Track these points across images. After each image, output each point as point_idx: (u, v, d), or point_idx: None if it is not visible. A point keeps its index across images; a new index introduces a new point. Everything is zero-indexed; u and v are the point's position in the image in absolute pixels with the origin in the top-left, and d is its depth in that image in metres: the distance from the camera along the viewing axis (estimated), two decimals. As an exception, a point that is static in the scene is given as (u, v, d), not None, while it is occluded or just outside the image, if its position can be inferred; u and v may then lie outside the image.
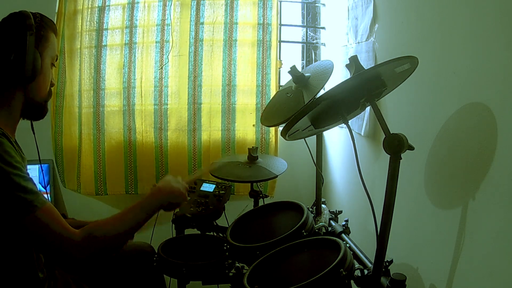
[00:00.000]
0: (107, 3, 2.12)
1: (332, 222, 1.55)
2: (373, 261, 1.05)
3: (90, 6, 2.11)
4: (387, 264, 1.09)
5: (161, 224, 1.76)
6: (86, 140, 2.17)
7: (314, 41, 2.39)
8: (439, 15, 1.19)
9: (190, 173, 2.20)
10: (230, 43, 2.15)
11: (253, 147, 1.69)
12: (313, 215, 1.58)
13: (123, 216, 1.09)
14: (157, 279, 1.49)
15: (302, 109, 1.07)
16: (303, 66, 2.39)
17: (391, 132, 0.96)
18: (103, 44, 2.13)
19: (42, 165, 2.13)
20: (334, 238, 1.16)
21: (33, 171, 2.05)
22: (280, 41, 2.28)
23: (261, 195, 1.72)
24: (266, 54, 2.17)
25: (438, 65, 1.19)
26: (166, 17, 2.13)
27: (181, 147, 2.19)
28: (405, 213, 1.32)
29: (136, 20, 2.13)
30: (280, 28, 2.29)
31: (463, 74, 1.07)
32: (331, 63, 1.50)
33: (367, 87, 1.03)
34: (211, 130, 2.20)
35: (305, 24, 2.39)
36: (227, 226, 1.46)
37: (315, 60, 2.39)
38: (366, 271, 1.11)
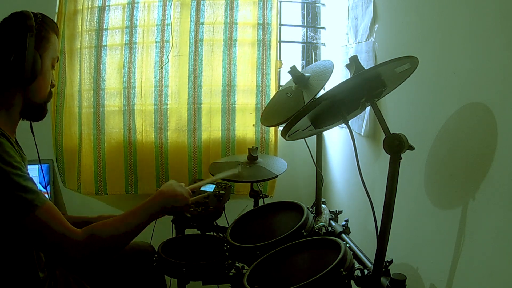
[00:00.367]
0: (107, 3, 2.12)
1: (332, 222, 1.55)
2: (373, 261, 1.05)
3: (90, 6, 2.11)
4: (387, 264, 1.09)
5: (161, 224, 1.76)
6: (86, 140, 2.17)
7: (314, 41, 2.39)
8: (439, 15, 1.19)
9: (190, 173, 2.21)
10: (230, 43, 2.15)
11: (253, 147, 1.69)
12: (313, 215, 1.58)
13: (126, 218, 1.09)
14: (157, 279, 1.49)
15: (302, 109, 1.07)
16: (303, 66, 2.39)
17: (391, 132, 0.96)
18: (103, 44, 2.13)
19: (42, 165, 2.13)
20: (334, 238, 1.16)
21: (34, 171, 2.05)
22: (280, 41, 2.28)
23: (261, 195, 1.72)
24: (266, 54, 2.17)
25: (438, 65, 1.19)
26: (166, 17, 2.13)
27: (181, 147, 2.19)
28: (405, 213, 1.32)
29: (136, 20, 2.13)
30: (280, 28, 2.29)
31: (463, 74, 1.07)
32: (331, 63, 1.50)
33: (367, 87, 1.03)
34: (211, 130, 2.20)
35: (305, 24, 2.39)
36: (227, 226, 1.46)
37: (315, 60, 2.39)
38: (366, 271, 1.11)
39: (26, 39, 1.02)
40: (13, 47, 1.01)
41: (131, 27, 2.12)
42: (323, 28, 2.35)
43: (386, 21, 1.51)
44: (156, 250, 1.51)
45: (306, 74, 1.50)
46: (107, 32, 2.14)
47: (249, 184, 1.72)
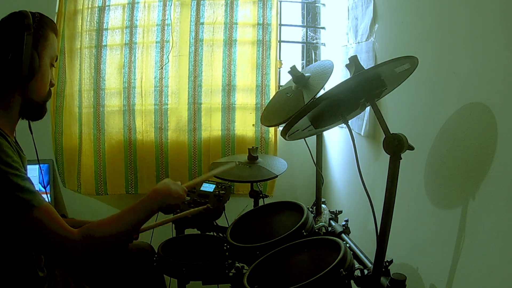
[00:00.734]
0: (107, 3, 2.12)
1: (332, 222, 1.55)
2: (373, 261, 1.05)
3: (90, 6, 2.12)
4: (387, 264, 1.09)
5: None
6: (86, 140, 2.17)
7: (314, 41, 2.39)
8: (439, 15, 1.19)
9: (190, 173, 2.21)
10: (230, 43, 2.15)
11: (253, 147, 1.69)
12: (313, 215, 1.58)
13: (122, 217, 1.10)
14: (157, 279, 1.49)
15: (302, 109, 1.07)
16: (303, 66, 2.39)
17: (391, 132, 0.96)
18: (103, 44, 2.13)
19: (42, 165, 2.13)
20: (334, 238, 1.16)
21: (34, 171, 2.05)
22: (280, 41, 2.28)
23: (261, 195, 1.72)
24: (266, 54, 2.17)
25: (438, 65, 1.19)
26: (166, 17, 2.13)
27: (181, 147, 2.19)
28: (405, 213, 1.32)
29: (136, 20, 2.13)
30: (280, 28, 2.29)
31: (463, 74, 1.07)
32: (331, 63, 1.50)
33: (367, 87, 1.03)
34: (211, 130, 2.20)
35: (305, 24, 2.39)
36: (227, 226, 1.46)
37: (315, 60, 2.39)
38: (366, 271, 1.11)
39: (24, 38, 1.02)
40: (11, 46, 1.01)
41: (131, 27, 2.12)
42: (323, 28, 2.35)
43: (386, 21, 1.51)
44: (156, 250, 1.51)
45: (306, 74, 1.50)
46: (107, 32, 2.14)
47: (249, 184, 1.72)
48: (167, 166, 2.20)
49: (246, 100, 2.20)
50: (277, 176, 1.61)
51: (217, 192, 1.73)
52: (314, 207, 1.63)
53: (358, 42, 1.72)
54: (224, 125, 2.20)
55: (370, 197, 1.03)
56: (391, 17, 1.48)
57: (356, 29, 1.75)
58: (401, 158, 0.96)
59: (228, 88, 2.17)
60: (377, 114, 1.00)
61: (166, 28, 2.14)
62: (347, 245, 1.17)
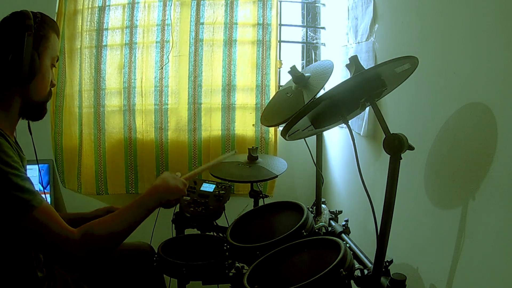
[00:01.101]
0: (107, 3, 2.12)
1: (332, 222, 1.55)
2: (373, 261, 1.05)
3: (90, 6, 2.12)
4: (387, 264, 1.09)
5: (161, 224, 1.76)
6: (87, 140, 2.17)
7: (314, 41, 2.39)
8: (439, 15, 1.19)
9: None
10: (230, 43, 2.15)
11: (253, 147, 1.69)
12: (313, 215, 1.57)
13: (121, 214, 1.10)
14: (157, 279, 1.49)
15: (302, 109, 1.07)
16: (303, 66, 2.39)
17: (391, 132, 0.96)
18: (103, 44, 2.13)
19: (42, 165, 2.13)
20: (334, 238, 1.16)
21: (33, 171, 2.05)
22: (280, 41, 2.28)
23: (261, 195, 1.72)
24: (266, 54, 2.17)
25: (438, 65, 1.19)
26: (166, 17, 2.13)
27: (181, 147, 2.19)
28: (405, 213, 1.32)
29: (136, 20, 2.13)
30: (280, 28, 2.29)
31: (463, 74, 1.07)
32: (331, 63, 1.50)
33: (367, 87, 1.03)
34: (211, 130, 2.20)
35: (305, 24, 2.39)
36: (227, 226, 1.46)
37: (315, 60, 2.39)
38: (366, 271, 1.11)
39: (24, 38, 1.02)
40: (11, 46, 1.01)
41: (131, 27, 2.12)
42: (323, 28, 2.35)
43: (386, 21, 1.51)
44: (156, 250, 1.51)
45: (306, 74, 1.50)
46: (107, 32, 2.14)
47: (249, 184, 1.72)
48: (167, 166, 2.20)
49: (246, 100, 2.20)
50: (277, 176, 1.61)
51: (217, 192, 1.73)
52: (314, 207, 1.63)
53: (358, 42, 1.72)
54: (224, 125, 2.20)
55: (370, 197, 1.03)
56: (391, 17, 1.48)
57: (356, 29, 1.75)
58: (401, 158, 0.96)
59: (228, 88, 2.18)
60: (377, 114, 1.00)
61: (166, 28, 2.14)
62: (347, 245, 1.17)
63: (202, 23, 2.15)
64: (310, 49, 2.41)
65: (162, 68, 2.15)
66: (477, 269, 1.01)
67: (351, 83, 1.00)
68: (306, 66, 2.31)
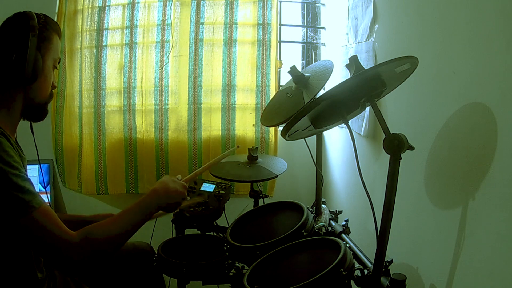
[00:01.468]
0: (107, 3, 2.12)
1: (332, 222, 1.55)
2: (373, 261, 1.05)
3: (90, 6, 2.12)
4: (387, 264, 1.09)
5: (161, 224, 1.76)
6: (87, 140, 2.17)
7: (314, 41, 2.39)
8: (439, 15, 1.19)
9: (190, 173, 2.20)
10: (230, 43, 2.15)
11: (253, 147, 1.69)
12: (313, 215, 1.57)
13: (121, 218, 1.09)
14: (157, 279, 1.49)
15: (302, 109, 1.07)
16: (303, 66, 2.39)
17: (391, 132, 0.96)
18: (104, 44, 2.13)
19: (42, 165, 2.13)
20: (334, 238, 1.16)
21: (33, 171, 2.05)
22: (280, 41, 2.28)
23: (261, 195, 1.72)
24: (266, 54, 2.17)
25: (438, 65, 1.19)
26: (166, 17, 2.13)
27: (181, 147, 2.19)
28: (405, 213, 1.32)
29: (137, 20, 2.13)
30: (280, 28, 2.29)
31: (463, 74, 1.07)
32: (331, 63, 1.50)
33: (367, 87, 1.03)
34: (211, 130, 2.20)
35: (305, 24, 2.39)
36: (227, 226, 1.46)
37: (315, 60, 2.39)
38: (366, 271, 1.11)
39: (28, 40, 1.02)
40: (15, 47, 1.01)
41: (131, 27, 2.12)
42: (323, 28, 2.35)
43: (386, 21, 1.51)
44: (156, 250, 1.51)
45: (306, 74, 1.50)
46: (107, 32, 2.14)
47: (249, 184, 1.72)
48: (167, 166, 2.20)
49: (246, 100, 2.20)
50: (277, 176, 1.61)
51: (217, 192, 1.73)
52: (314, 207, 1.63)
53: (358, 42, 1.72)
54: (224, 125, 2.20)
55: (370, 197, 1.03)
56: (391, 17, 1.48)
57: (356, 29, 1.75)
58: (401, 158, 0.96)
59: (228, 88, 2.18)
60: (377, 114, 1.00)
61: (166, 28, 2.14)
62: (347, 245, 1.17)
63: (202, 23, 2.15)
64: (310, 49, 2.41)
65: (162, 68, 2.15)
66: (477, 269, 1.01)
67: (351, 83, 1.00)
68: (306, 66, 2.31)
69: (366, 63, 1.61)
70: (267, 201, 1.64)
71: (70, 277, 1.23)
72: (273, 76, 2.18)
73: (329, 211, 1.61)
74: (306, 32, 2.39)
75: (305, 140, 1.48)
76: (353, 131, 1.12)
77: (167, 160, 2.19)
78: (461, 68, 1.08)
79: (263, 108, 2.10)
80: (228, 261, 1.30)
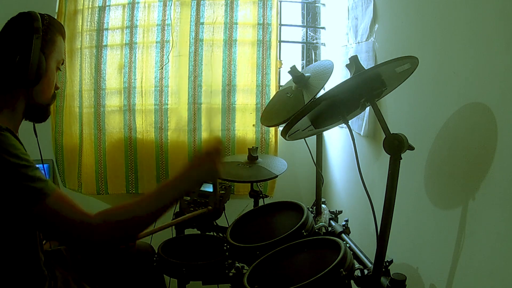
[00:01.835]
0: (107, 3, 2.12)
1: (332, 222, 1.55)
2: (373, 261, 1.05)
3: (90, 6, 2.12)
4: (387, 264, 1.09)
5: (161, 224, 1.76)
6: (87, 140, 2.17)
7: (314, 41, 2.39)
8: (439, 15, 1.19)
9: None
10: (230, 43, 2.15)
11: (253, 147, 1.69)
12: (313, 215, 1.58)
13: (145, 199, 1.01)
14: (157, 279, 1.49)
15: (302, 109, 1.07)
16: (303, 66, 2.39)
17: (391, 132, 0.96)
18: (104, 44, 2.13)
19: (41, 165, 2.13)
20: (334, 238, 1.16)
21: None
22: (280, 41, 2.28)
23: (261, 195, 1.72)
24: (266, 54, 2.17)
25: (438, 65, 1.19)
26: (166, 17, 2.13)
27: (181, 147, 2.19)
28: (405, 213, 1.32)
29: (137, 20, 2.13)
30: (280, 28, 2.29)
31: (463, 74, 1.07)
32: (331, 63, 1.50)
33: (367, 87, 1.03)
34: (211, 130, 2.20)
35: (305, 24, 2.39)
36: (227, 226, 1.46)
37: (315, 60, 2.39)
38: (366, 271, 1.11)
39: (32, 42, 1.01)
40: (19, 49, 1.01)
41: (131, 27, 2.12)
42: (323, 28, 2.35)
43: (386, 21, 1.51)
44: (156, 250, 1.51)
45: (306, 74, 1.50)
46: (108, 32, 2.14)
47: (249, 184, 1.72)
48: (167, 166, 2.20)
49: (246, 100, 2.20)
50: (277, 176, 1.61)
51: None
52: (314, 207, 1.63)
53: (358, 42, 1.73)
54: (224, 125, 2.20)
55: (370, 197, 1.03)
56: (391, 17, 1.48)
57: (356, 29, 1.75)
58: (401, 158, 0.96)
59: (228, 88, 2.18)
60: (377, 114, 1.00)
61: (166, 28, 2.14)
62: (347, 245, 1.17)
63: (202, 23, 2.15)
64: (310, 49, 2.41)
65: (162, 68, 2.15)
66: (477, 269, 1.01)
67: (351, 83, 1.00)
68: (306, 66, 2.31)
69: (366, 63, 1.61)
70: (267, 201, 1.64)
71: (71, 276, 1.23)
72: (273, 76, 2.18)
73: (329, 211, 1.61)
74: (306, 32, 2.39)
75: (305, 140, 1.48)
76: (353, 131, 1.12)
77: (167, 160, 2.19)
78: (461, 68, 1.08)
79: (263, 108, 2.10)
80: (228, 261, 1.30)
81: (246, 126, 2.21)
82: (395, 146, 0.94)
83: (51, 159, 2.20)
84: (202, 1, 2.14)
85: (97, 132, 2.16)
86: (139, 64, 2.14)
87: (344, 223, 1.48)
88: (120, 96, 2.17)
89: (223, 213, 1.71)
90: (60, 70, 1.14)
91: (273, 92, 2.17)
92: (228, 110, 2.19)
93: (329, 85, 1.37)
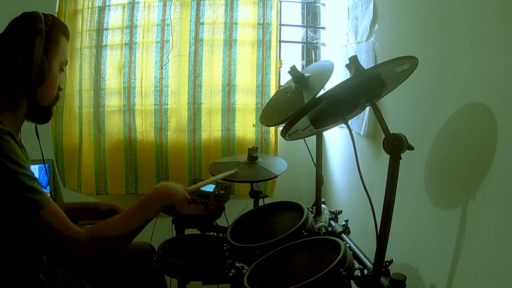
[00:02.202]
0: (107, 3, 2.12)
1: (332, 222, 1.55)
2: (373, 261, 1.05)
3: (90, 6, 2.12)
4: (387, 264, 1.09)
5: (161, 224, 1.76)
6: (87, 140, 2.17)
7: (314, 41, 2.39)
8: (439, 15, 1.19)
9: (190, 173, 2.20)
10: (230, 43, 2.15)
11: (253, 147, 1.69)
12: (313, 215, 1.58)
13: (126, 218, 1.09)
14: (157, 279, 1.49)
15: (302, 109, 1.07)
16: (303, 66, 2.40)
17: (391, 132, 0.96)
18: (103, 44, 2.13)
19: (42, 165, 2.13)
20: (334, 238, 1.16)
21: (34, 171, 2.04)
22: (280, 41, 2.28)
23: (261, 195, 1.72)
24: (266, 54, 2.17)
25: (438, 65, 1.19)
26: (166, 17, 2.13)
27: (181, 147, 2.19)
28: (405, 213, 1.32)
29: (136, 20, 2.13)
30: (280, 28, 2.29)
31: (463, 74, 1.07)
32: (331, 63, 1.50)
33: (367, 87, 1.03)
34: (211, 130, 2.20)
35: (305, 24, 2.39)
36: (227, 226, 1.46)
37: (315, 60, 2.39)
38: (366, 271, 1.11)
39: (35, 43, 1.00)
40: (22, 50, 1.00)
41: (131, 27, 2.12)
42: (323, 28, 2.35)
43: (386, 21, 1.51)
44: (156, 250, 1.51)
45: (306, 74, 1.50)
46: (107, 32, 2.14)
47: (249, 184, 1.72)
48: (167, 166, 2.20)
49: (246, 100, 2.20)
50: (277, 176, 1.61)
51: (217, 192, 1.73)
52: (314, 207, 1.63)
53: (358, 42, 1.73)
54: (224, 125, 2.20)
55: (370, 197, 1.03)
56: (391, 17, 1.48)
57: (356, 29, 1.75)
58: (401, 158, 0.96)
59: (228, 88, 2.18)
60: (377, 114, 1.00)
61: (166, 28, 2.14)
62: (347, 245, 1.17)
63: (202, 23, 2.15)
64: (310, 49, 2.41)
65: (162, 68, 2.15)
66: (477, 269, 1.01)
67: (351, 83, 1.00)
68: (306, 66, 2.31)
69: (366, 63, 1.61)
70: (267, 201, 1.64)
71: (72, 277, 1.23)
72: (273, 76, 2.18)
73: (329, 211, 1.61)
74: (306, 32, 2.39)
75: (304, 140, 1.48)
76: (353, 131, 1.12)
77: (167, 161, 2.19)
78: (461, 68, 1.08)
79: (263, 108, 2.10)
80: (228, 261, 1.30)
81: (246, 126, 2.21)
82: (395, 146, 0.94)
83: (51, 159, 2.20)
84: (202, 1, 2.14)
85: (97, 132, 2.16)
86: (139, 64, 2.14)
87: (344, 223, 1.48)
88: (120, 96, 2.17)
89: (223, 213, 1.71)
90: (63, 71, 1.13)
91: (273, 92, 2.17)
92: (228, 110, 2.19)
93: (329, 85, 1.37)
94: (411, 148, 0.96)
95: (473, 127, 1.04)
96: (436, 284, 1.19)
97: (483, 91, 1.00)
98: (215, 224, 1.71)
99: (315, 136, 1.57)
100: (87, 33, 2.12)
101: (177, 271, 1.41)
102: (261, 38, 2.16)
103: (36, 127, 1.17)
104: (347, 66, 1.12)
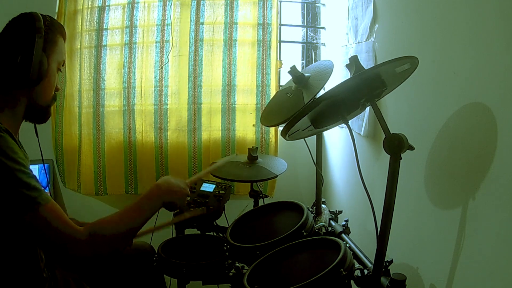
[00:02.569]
0: (107, 3, 2.12)
1: (332, 222, 1.55)
2: (373, 261, 1.05)
3: (90, 6, 2.12)
4: (387, 264, 1.09)
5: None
6: (86, 140, 2.17)
7: (314, 41, 2.39)
8: (439, 15, 1.19)
9: (190, 173, 2.20)
10: (230, 43, 2.15)
11: (253, 147, 1.69)
12: (313, 215, 1.58)
13: (127, 214, 1.07)
14: (157, 279, 1.49)
15: (302, 109, 1.07)
16: (303, 66, 2.40)
17: (391, 132, 0.96)
18: (103, 44, 2.13)
19: (42, 165, 2.13)
20: (334, 238, 1.16)
21: (34, 171, 2.04)
22: (280, 41, 2.28)
23: (261, 195, 1.72)
24: (266, 54, 2.17)
25: (438, 65, 1.19)
26: (166, 17, 2.13)
27: (181, 147, 2.19)
28: (405, 213, 1.32)
29: (136, 20, 2.13)
30: (280, 28, 2.29)
31: (463, 74, 1.07)
32: (331, 63, 1.50)
33: (367, 87, 1.03)
34: (211, 130, 2.20)
35: (305, 24, 2.39)
36: (227, 226, 1.46)
37: (315, 60, 2.39)
38: (366, 271, 1.11)
39: (34, 41, 1.01)
40: (21, 49, 1.01)
41: (131, 27, 2.12)
42: (323, 28, 2.35)
43: (386, 21, 1.51)
44: (156, 250, 1.51)
45: (306, 74, 1.50)
46: (107, 32, 2.14)
47: (249, 184, 1.72)
48: (166, 167, 2.20)
49: (246, 101, 2.20)
50: (277, 176, 1.61)
51: (217, 192, 1.73)
52: (314, 207, 1.63)
53: (358, 42, 1.73)
54: (224, 125, 2.20)
55: (370, 197, 1.03)
56: (391, 17, 1.48)
57: (356, 29, 1.75)
58: (401, 158, 0.96)
59: (228, 88, 2.17)
60: (377, 114, 1.00)
61: (166, 28, 2.14)
62: (347, 245, 1.17)
63: (202, 23, 2.15)
64: (310, 49, 2.41)
65: (162, 68, 2.15)
66: (477, 269, 1.01)
67: (351, 83, 1.00)
68: (306, 66, 2.31)
69: (366, 63, 1.61)
70: (267, 201, 1.64)
71: (71, 277, 1.23)
72: (273, 76, 2.18)
73: (329, 211, 1.61)
74: (306, 32, 2.39)
75: (305, 140, 1.48)
76: (353, 131, 1.12)
77: (166, 161, 2.19)
78: (461, 68, 1.08)
79: (263, 108, 2.10)
80: (228, 261, 1.30)
81: (246, 126, 2.21)
82: (395, 146, 0.94)
83: (51, 159, 2.20)
84: (202, 1, 2.14)
85: (96, 132, 2.16)
86: (138, 64, 2.14)
87: (344, 223, 1.48)
88: (120, 96, 2.17)
89: (223, 213, 1.71)
90: (60, 71, 1.14)
91: (273, 92, 2.17)
92: (228, 110, 2.19)
93: (329, 85, 1.37)
94: (411, 148, 0.96)
95: (473, 127, 1.04)
96: (436, 284, 1.19)
97: (483, 91, 1.00)
98: (215, 224, 1.71)
99: (315, 136, 1.57)
100: (87, 33, 2.12)
101: (177, 271, 1.41)
102: (261, 38, 2.16)
103: (35, 127, 1.17)
104: (347, 66, 1.12)
